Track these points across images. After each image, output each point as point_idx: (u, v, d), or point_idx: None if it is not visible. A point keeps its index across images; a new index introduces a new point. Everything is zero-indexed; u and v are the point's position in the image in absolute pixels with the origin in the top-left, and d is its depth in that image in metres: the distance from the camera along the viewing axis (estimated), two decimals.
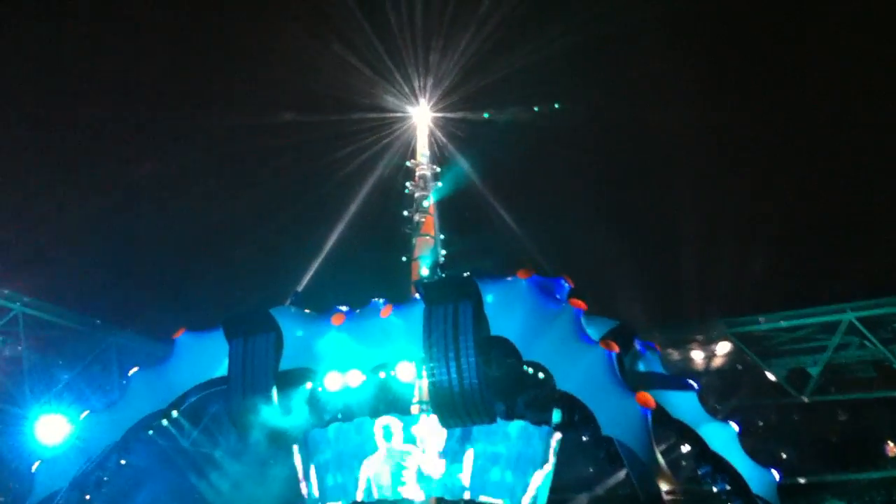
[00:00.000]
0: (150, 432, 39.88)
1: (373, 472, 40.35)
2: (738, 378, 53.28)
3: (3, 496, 55.27)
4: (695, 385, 38.67)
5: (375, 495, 41.03)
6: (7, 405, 51.04)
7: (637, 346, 37.70)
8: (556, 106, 50.14)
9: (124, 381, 43.11)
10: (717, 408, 42.95)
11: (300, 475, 43.23)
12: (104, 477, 39.35)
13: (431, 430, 40.19)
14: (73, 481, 38.47)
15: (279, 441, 40.05)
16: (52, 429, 41.58)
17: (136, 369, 41.26)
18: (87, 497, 38.94)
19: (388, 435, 40.67)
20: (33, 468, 40.55)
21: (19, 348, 49.65)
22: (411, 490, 40.71)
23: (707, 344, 53.47)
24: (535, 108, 49.97)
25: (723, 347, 53.27)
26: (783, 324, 52.20)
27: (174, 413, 39.55)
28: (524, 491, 39.47)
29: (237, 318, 38.42)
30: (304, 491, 43.50)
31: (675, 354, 52.92)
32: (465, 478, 39.83)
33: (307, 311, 39.76)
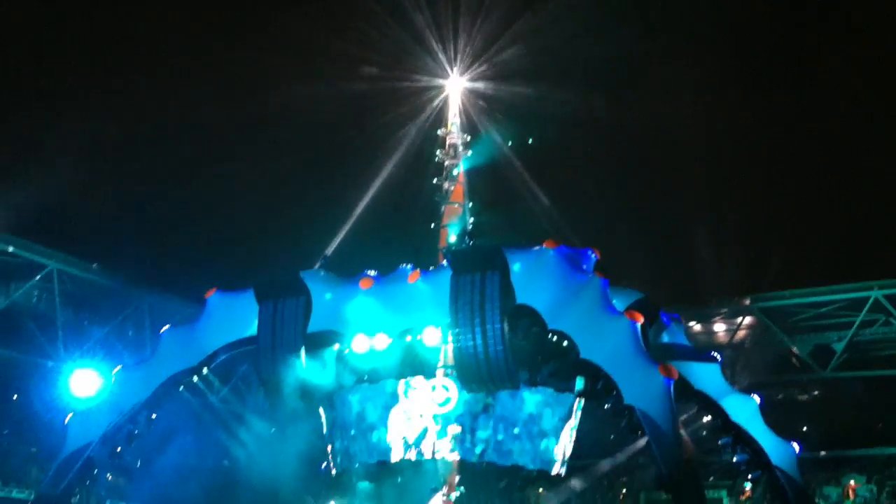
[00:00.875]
0: (181, 389, 40.67)
1: (397, 433, 41.01)
2: (762, 352, 53.33)
3: (35, 447, 56.60)
4: (718, 357, 38.99)
5: (400, 457, 41.74)
6: (41, 359, 52.06)
7: (662, 317, 37.94)
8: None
9: (156, 339, 43.88)
10: (740, 381, 43.13)
11: (326, 435, 43.99)
12: (135, 431, 40.20)
13: (455, 395, 40.80)
14: (105, 435, 39.38)
15: (306, 401, 40.79)
16: (85, 383, 42.49)
17: (167, 327, 42.00)
18: (118, 450, 39.86)
19: (413, 397, 41.28)
20: (66, 421, 41.45)
21: (54, 304, 50.43)
22: (435, 452, 41.39)
23: (731, 318, 53.55)
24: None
25: (747, 322, 53.33)
26: (809, 299, 52.16)
27: (204, 371, 40.33)
28: (545, 456, 39.99)
29: (268, 280, 39.04)
30: (329, 450, 44.30)
31: (699, 327, 53.10)
32: (488, 442, 40.43)
33: (336, 275, 40.24)
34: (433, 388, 41.48)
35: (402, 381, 41.35)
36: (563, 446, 40.36)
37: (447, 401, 41.13)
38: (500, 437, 39.90)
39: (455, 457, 42.33)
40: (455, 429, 41.31)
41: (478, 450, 40.80)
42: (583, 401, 39.27)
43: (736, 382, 40.32)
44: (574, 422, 40.43)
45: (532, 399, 39.63)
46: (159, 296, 54.42)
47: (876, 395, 53.10)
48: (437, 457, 42.40)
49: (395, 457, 41.76)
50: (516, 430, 39.78)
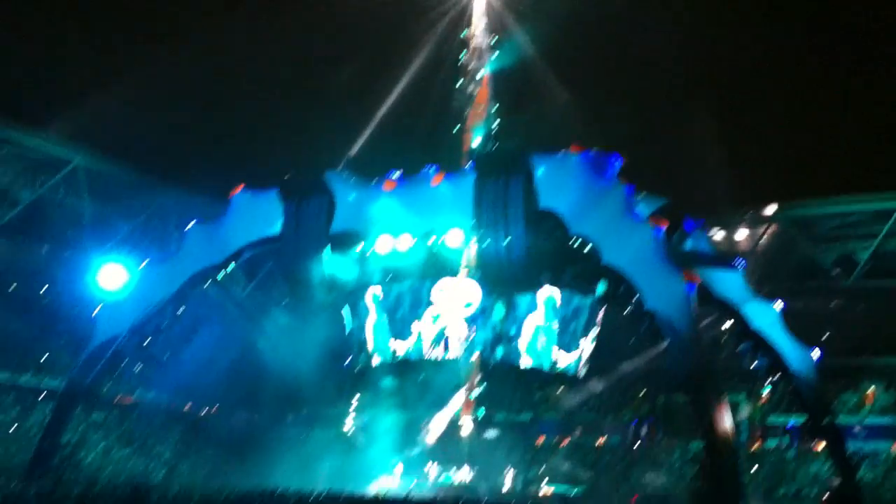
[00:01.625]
0: (207, 284, 41.31)
1: (421, 333, 41.62)
2: (785, 260, 53.15)
3: (65, 338, 57.84)
4: (740, 264, 38.87)
5: (423, 355, 42.42)
6: (69, 253, 52.74)
7: (685, 224, 37.75)
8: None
9: (181, 235, 44.31)
10: (762, 288, 43.05)
11: (350, 332, 44.66)
12: (162, 324, 41.17)
13: (479, 296, 41.16)
14: (133, 327, 40.29)
15: (330, 299, 41.32)
16: (113, 276, 43.20)
17: (193, 224, 42.42)
18: (146, 342, 40.86)
19: (438, 299, 41.71)
20: (94, 313, 42.32)
21: (81, 199, 50.84)
22: (457, 352, 42.04)
23: (756, 225, 53.21)
24: None
25: (772, 230, 52.99)
26: (835, 209, 51.69)
27: (229, 267, 40.90)
28: (566, 357, 40.50)
29: (292, 180, 39.15)
30: (353, 347, 45.06)
31: (722, 234, 52.85)
32: (509, 343, 40.94)
33: (360, 176, 40.23)
34: (457, 289, 41.90)
35: (426, 282, 41.80)
36: (584, 349, 40.80)
37: (470, 303, 41.58)
38: (521, 338, 40.38)
39: (476, 357, 43.00)
40: (478, 330, 41.85)
41: (499, 350, 41.35)
42: (604, 305, 39.43)
43: (758, 290, 40.13)
44: (595, 325, 40.76)
45: (553, 302, 39.92)
46: (185, 192, 54.59)
47: None
48: (460, 357, 43.07)
49: (418, 355, 42.46)
50: (537, 332, 40.21)
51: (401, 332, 42.55)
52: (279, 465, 48.87)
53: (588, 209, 33.96)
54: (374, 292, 42.63)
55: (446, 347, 42.43)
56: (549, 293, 39.95)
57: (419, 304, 42.60)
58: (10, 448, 48.85)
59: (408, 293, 42.62)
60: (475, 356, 42.99)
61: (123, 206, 54.54)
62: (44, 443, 41.14)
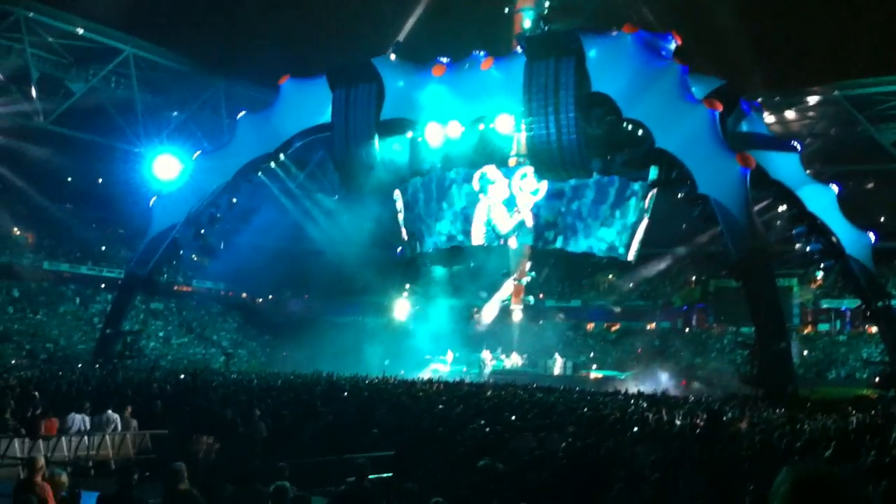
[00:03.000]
0: (259, 174, 41.66)
1: (473, 220, 41.77)
2: (844, 142, 51.98)
3: (122, 229, 59.05)
4: (797, 146, 38.06)
5: (474, 242, 42.61)
6: (123, 144, 53.33)
7: (742, 105, 36.95)
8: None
9: (232, 125, 44.50)
10: (820, 170, 42.29)
11: (402, 220, 44.94)
12: (217, 214, 41.65)
13: (529, 183, 41.02)
14: (189, 217, 40.86)
15: (380, 187, 41.50)
16: (167, 167, 43.78)
17: (243, 113, 42.53)
18: (202, 232, 41.44)
19: (486, 185, 41.67)
20: (150, 203, 42.97)
21: (132, 90, 51.02)
22: (508, 238, 42.16)
23: (815, 106, 51.93)
24: None
25: (831, 110, 51.70)
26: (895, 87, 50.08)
27: (281, 156, 41.15)
28: (616, 243, 40.43)
29: (340, 67, 38.86)
30: (403, 234, 45.41)
31: (780, 115, 51.68)
32: (560, 229, 40.94)
33: (408, 62, 39.82)
34: (507, 175, 41.78)
35: (476, 169, 41.69)
36: (635, 234, 40.63)
37: (521, 189, 41.50)
38: (571, 224, 40.35)
39: (527, 243, 43.13)
40: (528, 216, 41.86)
41: (549, 236, 41.41)
42: (656, 190, 39.05)
43: (815, 172, 39.40)
44: (646, 211, 40.47)
45: (605, 188, 39.66)
46: (234, 81, 54.63)
47: None
48: (510, 244, 43.24)
49: (469, 242, 42.70)
50: (588, 218, 40.12)
51: (451, 218, 42.70)
52: (332, 352, 49.92)
53: (641, 91, 33.29)
54: (424, 179, 42.65)
55: (496, 234, 42.60)
56: (600, 179, 39.65)
57: (469, 191, 42.63)
58: (73, 336, 50.58)
59: (458, 180, 42.63)
60: (526, 242, 43.17)
61: (175, 97, 54.74)
62: (106, 331, 42.33)
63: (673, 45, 35.85)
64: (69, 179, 58.61)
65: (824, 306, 54.80)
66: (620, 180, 39.91)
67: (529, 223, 41.51)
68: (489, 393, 26.62)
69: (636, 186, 39.85)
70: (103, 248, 59.10)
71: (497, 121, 37.30)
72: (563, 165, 35.14)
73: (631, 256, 41.52)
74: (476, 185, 41.94)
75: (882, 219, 51.42)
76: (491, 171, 41.57)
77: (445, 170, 41.94)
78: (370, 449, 13.47)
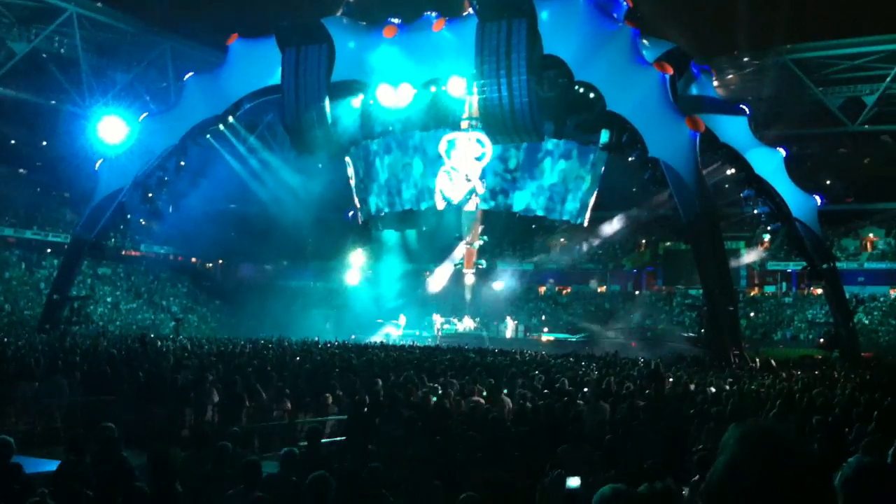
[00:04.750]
0: (208, 136, 41.01)
1: (421, 182, 41.59)
2: (791, 105, 52.61)
3: (68, 192, 58.01)
4: (746, 110, 38.47)
5: (425, 206, 42.50)
6: (68, 106, 52.24)
7: (692, 68, 37.19)
8: None
9: (180, 86, 43.73)
10: (766, 134, 42.75)
11: (354, 185, 44.67)
12: (164, 177, 41.01)
13: (479, 146, 40.92)
14: (136, 180, 40.14)
15: (332, 150, 41.10)
16: (113, 129, 42.76)
17: (190, 75, 41.76)
18: (149, 195, 40.77)
19: (436, 148, 41.46)
20: (96, 166, 42.14)
21: (76, 50, 49.91)
22: (460, 202, 42.09)
23: (762, 69, 52.38)
24: None
25: (779, 74, 52.18)
26: (842, 51, 50.71)
27: (230, 119, 40.49)
28: (567, 207, 40.61)
29: (290, 27, 38.14)
30: (356, 199, 45.15)
31: (728, 78, 52.06)
32: (511, 192, 40.96)
33: (359, 22, 39.36)
34: (459, 139, 41.62)
35: (428, 133, 41.48)
36: (586, 198, 40.86)
37: (472, 153, 41.39)
38: (523, 188, 40.37)
39: (480, 207, 43.13)
40: (479, 180, 41.81)
41: (501, 200, 41.42)
42: (607, 153, 39.26)
43: (762, 135, 39.86)
44: (598, 174, 40.68)
45: (556, 151, 39.72)
46: (181, 41, 53.62)
47: None
48: (462, 207, 43.21)
49: (421, 206, 42.58)
50: (540, 182, 40.18)
51: (403, 182, 42.52)
52: (284, 317, 49.77)
53: (593, 54, 33.30)
54: (375, 143, 42.35)
55: (448, 198, 42.52)
56: (551, 143, 39.69)
57: (421, 154, 42.42)
58: (19, 302, 49.77)
59: (409, 144, 42.40)
60: (478, 206, 43.18)
61: (120, 58, 53.65)
62: (53, 296, 41.66)
63: (625, 8, 35.91)
64: (12, 142, 57.28)
65: (771, 268, 55.80)
66: (572, 144, 40.01)
67: (481, 186, 41.48)
68: (442, 357, 26.73)
69: (588, 150, 39.97)
70: (48, 211, 58.10)
71: (449, 83, 37.02)
72: (514, 129, 35.04)
73: (582, 219, 41.79)
74: (427, 148, 41.68)
75: (828, 182, 52.33)
76: (442, 134, 41.36)
77: (396, 133, 41.63)
78: (322, 413, 13.46)
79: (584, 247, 59.18)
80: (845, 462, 2.89)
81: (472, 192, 41.15)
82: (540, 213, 41.00)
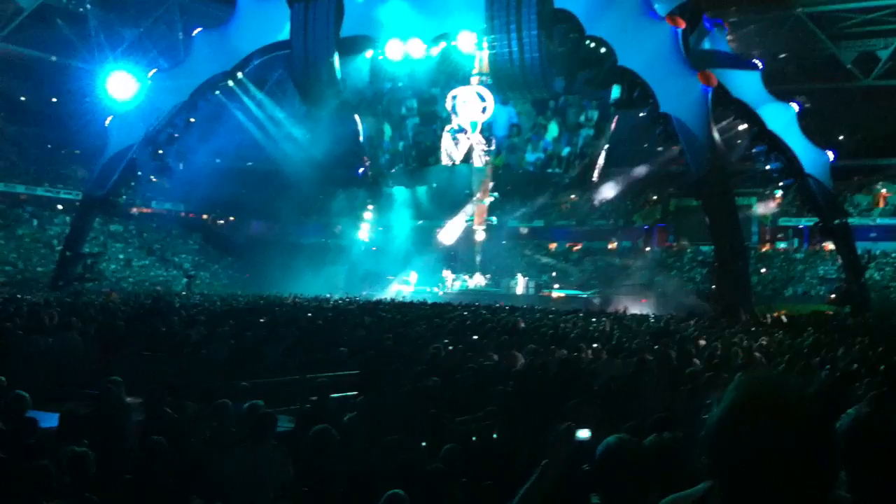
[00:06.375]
0: (217, 93, 40.84)
1: (431, 138, 41.50)
2: (804, 59, 52.08)
3: (79, 149, 57.99)
4: (759, 64, 38.08)
5: (437, 161, 42.42)
6: (76, 62, 52.05)
7: (704, 22, 36.76)
8: None
9: (188, 41, 43.43)
10: (780, 89, 42.32)
11: (363, 141, 44.54)
12: (174, 134, 40.90)
13: (490, 102, 40.73)
14: (146, 137, 40.08)
15: (341, 105, 40.90)
16: (122, 86, 42.70)
17: (199, 30, 41.45)
18: (160, 152, 40.73)
19: (446, 104, 41.28)
20: (106, 123, 42.11)
21: (84, 5, 49.64)
22: (468, 157, 42.00)
23: (776, 23, 51.76)
24: None
25: (793, 28, 51.56)
26: (856, 4, 50.02)
27: (239, 75, 40.31)
28: (578, 163, 40.51)
29: None
30: (365, 155, 45.07)
31: (742, 33, 51.44)
32: (522, 148, 40.84)
33: None
34: (470, 95, 41.39)
35: (438, 88, 41.23)
36: (597, 154, 40.70)
37: (483, 109, 41.20)
38: (533, 144, 40.24)
39: (490, 163, 43.02)
40: (490, 136, 41.68)
41: (512, 156, 41.31)
42: (618, 109, 38.99)
43: (775, 90, 39.46)
44: (608, 130, 40.48)
45: (566, 107, 39.52)
46: None
47: None
48: (473, 163, 43.10)
49: (430, 162, 42.49)
50: (550, 138, 40.03)
51: (413, 138, 42.38)
52: (295, 274, 49.86)
53: (604, 8, 32.97)
54: (386, 98, 42.15)
55: (458, 154, 42.39)
56: (562, 98, 39.46)
57: (431, 110, 42.25)
58: (31, 259, 50.03)
59: (419, 99, 42.21)
60: (488, 162, 43.07)
61: (128, 13, 53.32)
62: (66, 253, 41.88)
63: None
64: (22, 99, 57.21)
65: (782, 224, 55.60)
66: (583, 99, 39.83)
67: (492, 143, 41.30)
68: (453, 313, 26.82)
69: (599, 106, 39.75)
70: (59, 168, 58.18)
71: (459, 38, 36.78)
72: (525, 84, 34.84)
73: (593, 176, 41.70)
74: (437, 103, 41.46)
75: (841, 137, 51.88)
76: (452, 90, 41.08)
77: (406, 88, 41.41)
78: (334, 369, 13.54)
79: (596, 203, 58.97)
80: (845, 413, 2.91)
81: (483, 147, 41.04)
82: (549, 170, 40.94)
